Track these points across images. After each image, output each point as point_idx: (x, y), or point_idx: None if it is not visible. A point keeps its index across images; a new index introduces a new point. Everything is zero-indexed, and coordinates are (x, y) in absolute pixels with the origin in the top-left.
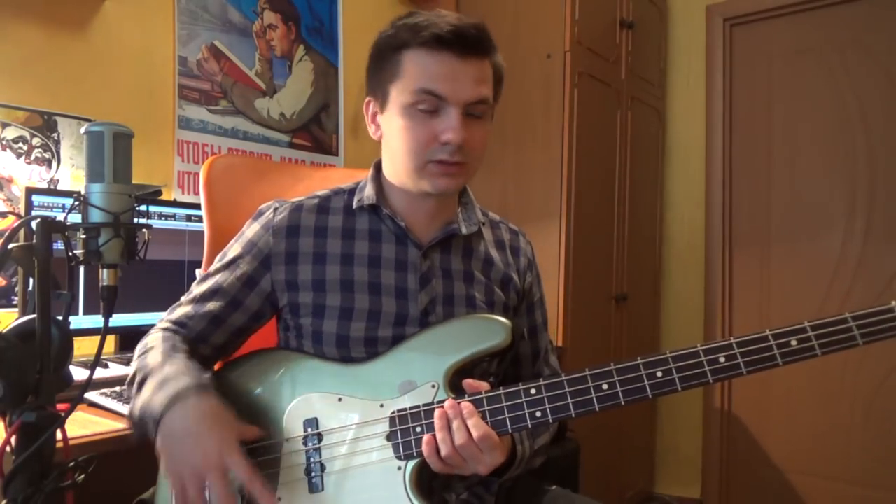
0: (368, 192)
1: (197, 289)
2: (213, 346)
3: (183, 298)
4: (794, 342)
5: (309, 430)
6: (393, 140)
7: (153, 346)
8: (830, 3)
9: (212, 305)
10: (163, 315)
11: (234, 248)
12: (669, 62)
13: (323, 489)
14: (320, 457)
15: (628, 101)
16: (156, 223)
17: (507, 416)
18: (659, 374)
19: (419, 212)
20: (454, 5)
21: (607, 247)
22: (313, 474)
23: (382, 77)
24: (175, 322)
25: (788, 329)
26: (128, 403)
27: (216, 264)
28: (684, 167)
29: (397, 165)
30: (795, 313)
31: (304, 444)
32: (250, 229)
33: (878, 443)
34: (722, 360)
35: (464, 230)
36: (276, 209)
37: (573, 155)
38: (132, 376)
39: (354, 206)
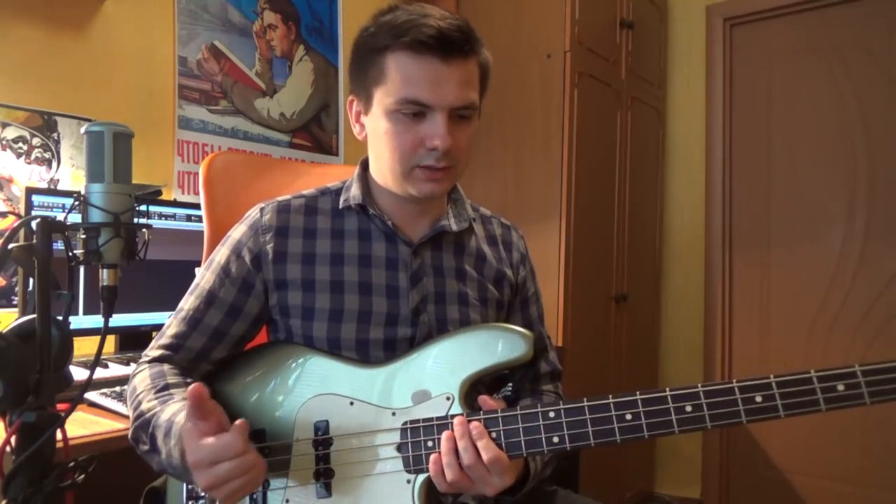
0: (355, 192)
1: (186, 304)
2: (214, 360)
3: (170, 319)
4: (840, 387)
5: (319, 433)
6: (378, 142)
7: (141, 391)
8: (830, 3)
9: (210, 318)
10: (162, 315)
11: (221, 253)
12: (669, 62)
13: (330, 495)
14: (329, 462)
15: (628, 101)
16: (156, 223)
17: (522, 438)
18: (688, 408)
19: (406, 211)
20: (454, 5)
21: (607, 247)
22: (322, 479)
23: (365, 79)
24: (166, 347)
25: (835, 372)
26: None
27: (203, 272)
28: (684, 167)
29: (383, 168)
30: (795, 313)
31: (315, 447)
32: (237, 231)
33: (878, 443)
34: (759, 399)
35: (454, 227)
36: (262, 209)
37: (573, 155)
38: (135, 430)
39: (341, 206)
